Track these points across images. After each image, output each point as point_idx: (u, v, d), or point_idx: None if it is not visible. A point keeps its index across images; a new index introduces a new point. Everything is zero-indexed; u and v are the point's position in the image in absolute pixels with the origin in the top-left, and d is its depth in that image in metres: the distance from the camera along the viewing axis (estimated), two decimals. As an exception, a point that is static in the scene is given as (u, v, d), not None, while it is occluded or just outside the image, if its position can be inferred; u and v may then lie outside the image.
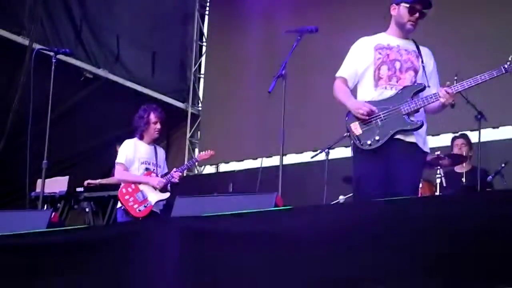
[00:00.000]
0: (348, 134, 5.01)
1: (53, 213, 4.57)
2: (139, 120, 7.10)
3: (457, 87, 4.73)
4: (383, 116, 4.80)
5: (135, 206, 6.86)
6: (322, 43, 9.12)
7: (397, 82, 4.89)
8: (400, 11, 4.94)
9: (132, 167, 6.98)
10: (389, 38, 5.02)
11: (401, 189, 4.68)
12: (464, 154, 7.71)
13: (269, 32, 11.30)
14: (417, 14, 4.89)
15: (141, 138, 7.08)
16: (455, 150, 7.85)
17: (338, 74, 5.09)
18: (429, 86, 4.89)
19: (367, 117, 4.81)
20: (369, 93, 4.95)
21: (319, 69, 10.07)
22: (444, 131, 9.12)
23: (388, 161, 4.78)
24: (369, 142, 4.82)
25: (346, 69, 5.07)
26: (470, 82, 4.72)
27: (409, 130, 4.80)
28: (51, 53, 6.31)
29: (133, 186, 6.94)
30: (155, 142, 7.22)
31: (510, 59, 4.63)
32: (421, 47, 5.04)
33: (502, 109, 8.84)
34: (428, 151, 5.06)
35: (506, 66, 4.63)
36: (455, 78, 5.00)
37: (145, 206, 6.88)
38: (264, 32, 11.65)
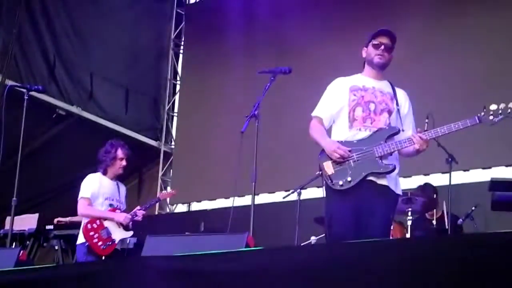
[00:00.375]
0: (320, 172, 5.01)
1: (22, 251, 4.52)
2: (105, 155, 6.94)
3: (431, 134, 4.77)
4: (356, 158, 4.82)
5: (99, 243, 6.68)
6: (296, 83, 9.19)
7: (371, 123, 4.92)
8: (368, 49, 5.05)
9: (95, 202, 6.81)
10: (365, 79, 5.07)
11: (373, 230, 4.68)
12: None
13: (243, 72, 11.36)
14: (382, 47, 4.98)
15: (104, 173, 6.94)
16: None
17: (314, 114, 5.12)
18: (403, 130, 4.93)
19: (342, 160, 4.83)
20: (343, 133, 4.97)
21: (293, 110, 10.14)
22: (415, 174, 9.19)
23: (360, 202, 4.79)
24: (340, 182, 4.83)
25: (322, 109, 5.10)
26: (444, 129, 4.76)
27: (381, 173, 4.82)
28: (24, 90, 6.27)
29: (98, 222, 6.75)
30: (118, 178, 7.08)
31: (484, 109, 4.69)
32: (397, 89, 5.10)
33: (472, 152, 8.92)
34: (400, 193, 5.07)
35: (480, 116, 4.69)
36: (426, 121, 5.05)
37: (109, 244, 6.71)
38: (238, 72, 11.71)
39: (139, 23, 12.79)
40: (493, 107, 4.66)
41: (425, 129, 5.53)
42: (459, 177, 8.75)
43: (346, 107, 4.99)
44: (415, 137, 4.77)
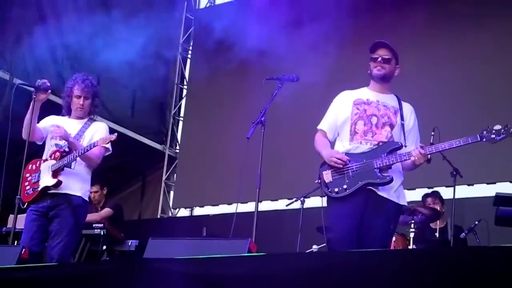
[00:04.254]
0: (319, 181, 5.09)
1: (24, 249, 4.52)
2: (66, 90, 6.19)
3: (432, 149, 4.85)
4: (355, 168, 4.89)
5: (28, 187, 5.96)
6: (303, 92, 9.17)
7: (372, 137, 4.98)
8: (370, 64, 5.13)
9: (46, 146, 6.09)
10: (370, 93, 5.13)
11: (370, 240, 4.74)
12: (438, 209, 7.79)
13: (250, 78, 11.35)
14: (379, 59, 5.05)
15: (68, 113, 6.18)
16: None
17: (319, 127, 5.23)
18: (405, 146, 4.95)
19: (340, 165, 4.87)
20: (345, 146, 5.05)
21: (299, 118, 10.14)
22: (420, 186, 9.17)
23: (358, 210, 4.88)
24: (336, 189, 4.93)
25: (326, 122, 5.21)
26: (445, 145, 4.82)
27: (378, 184, 4.86)
28: (32, 89, 6.23)
29: (38, 164, 6.02)
30: (88, 116, 6.21)
31: (488, 127, 4.70)
32: (403, 104, 5.13)
33: (477, 167, 8.92)
34: (405, 203, 5.09)
35: (482, 134, 4.71)
36: (432, 133, 5.07)
37: (33, 190, 5.92)
38: (245, 78, 11.71)
39: (148, 27, 12.81)
40: (497, 127, 4.70)
41: (431, 141, 5.58)
42: (464, 191, 8.74)
43: (349, 120, 5.06)
44: (414, 151, 4.81)
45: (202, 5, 13.84)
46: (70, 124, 6.11)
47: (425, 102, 8.26)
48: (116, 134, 5.97)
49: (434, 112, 8.48)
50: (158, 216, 12.70)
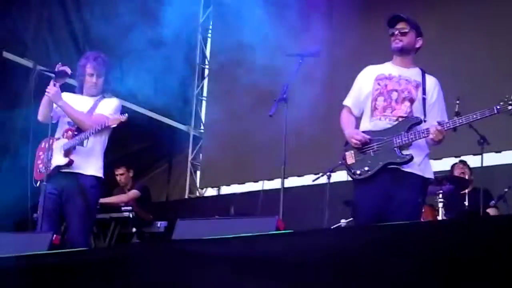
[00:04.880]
0: (342, 162, 5.10)
1: (55, 235, 4.55)
2: (78, 68, 6.14)
3: (449, 124, 4.79)
4: (376, 147, 4.88)
5: (40, 166, 5.98)
6: (325, 67, 9.13)
7: (391, 113, 4.96)
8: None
9: (59, 125, 6.09)
10: (392, 68, 5.10)
11: (401, 215, 4.71)
12: (467, 178, 7.74)
13: (270, 55, 11.30)
14: (396, 32, 5.01)
15: (81, 91, 6.17)
16: (456, 175, 7.89)
17: (344, 103, 5.24)
18: (425, 121, 4.91)
19: (360, 146, 4.87)
20: (366, 123, 5.07)
21: (321, 93, 10.09)
22: (446, 155, 9.11)
23: (385, 189, 4.84)
24: (358, 171, 4.94)
25: (350, 98, 5.22)
26: (462, 120, 4.79)
27: (398, 164, 4.84)
28: (52, 75, 6.22)
29: (51, 141, 5.92)
30: (102, 93, 6.19)
31: (505, 98, 4.65)
32: (428, 77, 5.08)
33: (504, 133, 8.81)
34: (431, 176, 5.06)
35: (499, 106, 4.66)
36: (457, 102, 5.01)
37: (45, 168, 5.84)
38: (267, 55, 11.65)
39: (168, 9, 12.78)
40: None
41: (456, 109, 5.54)
42: (491, 159, 8.67)
43: (370, 96, 5.05)
44: (432, 128, 4.77)
45: (220, -16, 13.77)
46: (83, 101, 6.11)
47: (449, 71, 8.19)
48: (126, 115, 5.89)
49: (459, 81, 8.38)
50: (186, 197, 12.76)
